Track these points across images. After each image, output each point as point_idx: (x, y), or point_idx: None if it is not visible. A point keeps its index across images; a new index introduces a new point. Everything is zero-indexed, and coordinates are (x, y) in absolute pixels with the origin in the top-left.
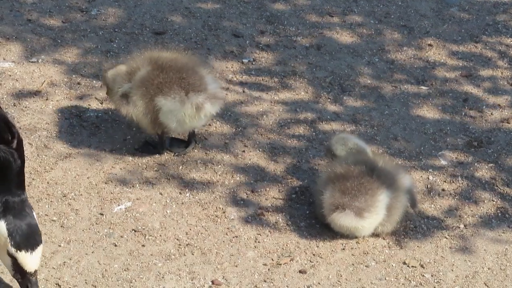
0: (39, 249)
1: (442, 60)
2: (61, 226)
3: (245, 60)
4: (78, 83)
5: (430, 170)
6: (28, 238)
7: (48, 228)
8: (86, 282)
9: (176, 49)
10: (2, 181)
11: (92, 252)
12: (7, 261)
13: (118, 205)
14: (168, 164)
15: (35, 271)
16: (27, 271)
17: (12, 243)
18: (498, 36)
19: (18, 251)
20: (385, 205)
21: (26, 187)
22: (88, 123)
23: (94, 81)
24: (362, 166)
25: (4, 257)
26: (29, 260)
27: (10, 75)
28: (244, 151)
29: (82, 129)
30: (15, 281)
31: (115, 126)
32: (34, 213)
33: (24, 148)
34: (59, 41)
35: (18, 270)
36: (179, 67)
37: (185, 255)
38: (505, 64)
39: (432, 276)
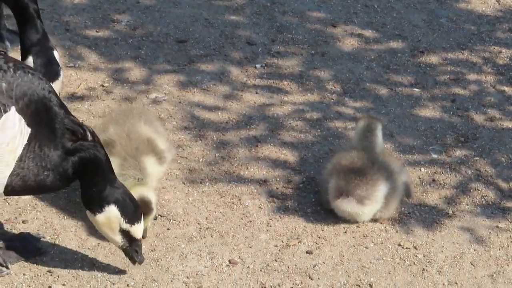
0: (142, 218)
1: (433, 65)
2: None
3: (258, 65)
4: (110, 85)
5: (422, 163)
6: (135, 213)
7: (84, 214)
8: (117, 261)
9: None
10: (98, 172)
11: None
12: (118, 237)
13: None
14: (190, 157)
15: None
16: (137, 238)
17: (126, 220)
18: (482, 44)
19: (132, 225)
20: (384, 194)
21: None
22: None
23: (124, 84)
24: (363, 158)
25: (115, 234)
26: (139, 229)
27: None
28: (257, 145)
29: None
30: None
31: None
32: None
33: None
34: (93, 48)
35: (128, 239)
36: None
37: (205, 237)
38: (489, 69)
39: (424, 256)
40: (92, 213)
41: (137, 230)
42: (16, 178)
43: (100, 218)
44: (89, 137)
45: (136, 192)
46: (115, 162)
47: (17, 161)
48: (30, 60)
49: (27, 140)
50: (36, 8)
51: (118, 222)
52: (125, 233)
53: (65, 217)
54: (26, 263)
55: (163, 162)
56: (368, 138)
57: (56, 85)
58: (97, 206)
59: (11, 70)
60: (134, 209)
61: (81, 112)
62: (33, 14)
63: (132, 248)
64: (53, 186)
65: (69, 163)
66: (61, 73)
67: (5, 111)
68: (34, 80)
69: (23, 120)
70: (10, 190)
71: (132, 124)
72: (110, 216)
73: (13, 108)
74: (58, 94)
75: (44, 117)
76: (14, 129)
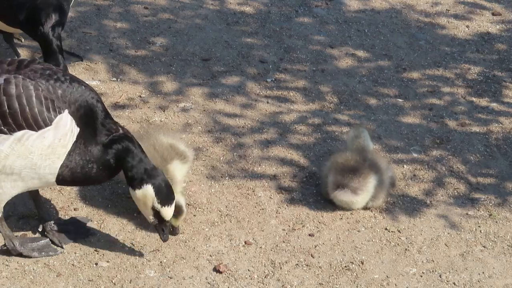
0: (174, 203)
1: (413, 80)
2: None
3: (268, 80)
4: (147, 96)
5: (405, 161)
6: (168, 196)
7: (125, 203)
8: (152, 242)
9: None
10: (136, 158)
11: None
12: (150, 214)
13: None
14: (212, 156)
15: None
16: (166, 219)
17: (158, 201)
18: (454, 63)
19: (163, 207)
20: (373, 186)
21: None
22: (154, 125)
23: (158, 95)
24: (356, 156)
25: (149, 211)
26: (169, 211)
27: (97, 90)
28: (268, 146)
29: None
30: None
31: (174, 128)
32: (163, 173)
33: None
34: (132, 65)
35: (158, 218)
36: None
37: (225, 222)
38: (460, 83)
39: (406, 238)
40: (132, 189)
41: (166, 211)
42: (66, 169)
43: (138, 193)
44: (121, 131)
45: None
46: None
47: (66, 155)
48: None
49: (76, 138)
50: (59, 45)
51: (152, 201)
52: (155, 212)
53: (109, 205)
54: (76, 243)
55: (186, 161)
56: (358, 141)
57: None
58: (137, 183)
59: (68, 81)
60: (167, 193)
61: (123, 118)
62: (55, 49)
63: (160, 226)
64: (99, 177)
65: (108, 154)
66: None
67: (60, 112)
68: (86, 90)
69: (74, 121)
70: (61, 180)
71: (155, 137)
72: (146, 194)
73: (66, 111)
74: None
75: (90, 120)
76: (66, 128)
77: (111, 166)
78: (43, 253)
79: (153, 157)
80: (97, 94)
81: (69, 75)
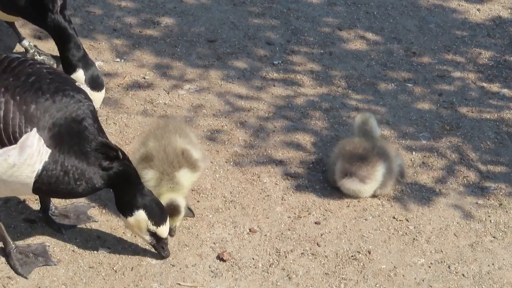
0: (168, 219)
1: (423, 64)
2: None
3: (275, 62)
4: (151, 78)
5: (414, 147)
6: (162, 215)
7: None
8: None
9: None
10: (129, 184)
11: None
12: (147, 237)
13: None
14: (217, 140)
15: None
16: (163, 237)
17: (153, 223)
18: (465, 47)
19: (158, 227)
20: (382, 174)
21: None
22: (158, 107)
23: (162, 77)
24: (365, 143)
25: (145, 234)
26: (165, 229)
27: (100, 71)
28: (274, 131)
29: (153, 112)
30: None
31: (178, 110)
32: (150, 193)
33: (110, 127)
34: (137, 46)
35: (155, 238)
36: None
37: (229, 209)
38: (470, 68)
39: (414, 228)
40: (124, 217)
41: (162, 230)
42: (42, 185)
43: (131, 220)
44: (121, 156)
45: (167, 197)
46: (153, 175)
47: (37, 173)
48: (80, 74)
49: (49, 158)
50: (74, 27)
51: (146, 224)
52: (152, 233)
53: (111, 191)
54: (77, 229)
55: (197, 170)
56: (365, 128)
57: (101, 94)
58: (128, 210)
59: (50, 92)
60: (160, 213)
61: (126, 99)
62: (73, 33)
63: (159, 245)
64: (83, 194)
65: (104, 177)
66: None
67: (26, 132)
68: (71, 103)
69: (42, 141)
70: (38, 192)
71: (168, 138)
72: (139, 219)
73: (34, 129)
74: (100, 102)
75: (70, 139)
76: (32, 148)
77: (100, 187)
78: (39, 259)
79: (161, 161)
80: (88, 106)
81: (56, 83)
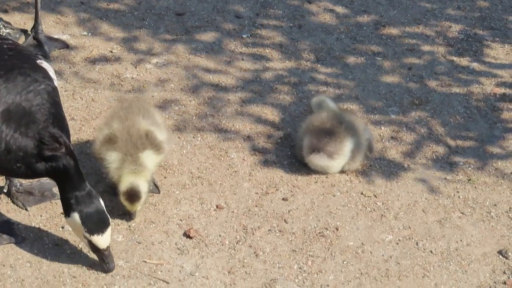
0: (108, 231)
1: (392, 38)
2: None
3: (244, 36)
4: (118, 52)
5: (382, 122)
6: (98, 224)
7: (93, 163)
8: (120, 207)
9: None
10: (67, 181)
11: None
12: (85, 242)
13: None
14: (185, 115)
15: (107, 247)
16: (101, 248)
17: (86, 230)
18: (435, 20)
19: (91, 235)
20: (350, 150)
21: (78, 132)
22: (125, 82)
23: (130, 51)
24: (333, 118)
25: (82, 238)
26: (101, 241)
27: (68, 45)
28: (242, 105)
29: (120, 86)
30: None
31: (146, 85)
32: (100, 200)
33: (76, 101)
34: (104, 19)
35: (93, 248)
36: None
37: (196, 185)
38: (440, 41)
39: (382, 204)
40: (64, 215)
41: (98, 240)
42: None
43: (68, 221)
44: (63, 149)
45: (128, 181)
46: (116, 157)
47: None
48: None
49: None
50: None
51: (81, 229)
52: (88, 240)
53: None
54: (43, 206)
55: (161, 152)
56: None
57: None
58: (65, 210)
59: (4, 70)
60: (96, 221)
61: (93, 74)
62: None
63: (98, 255)
64: (27, 176)
65: (42, 166)
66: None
67: None
68: (26, 82)
69: None
70: None
71: (132, 120)
72: (74, 222)
73: None
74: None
75: (19, 118)
76: None
77: (40, 175)
78: (3, 237)
79: (125, 142)
80: (47, 85)
81: (16, 59)
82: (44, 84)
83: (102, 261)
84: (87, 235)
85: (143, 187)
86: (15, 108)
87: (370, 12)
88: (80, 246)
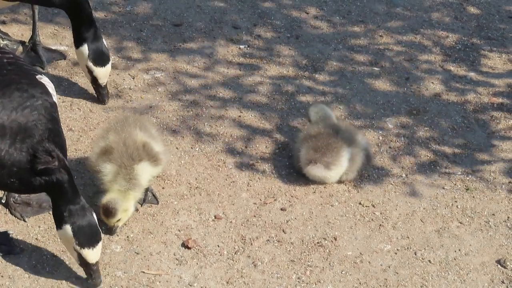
0: (99, 245)
1: (390, 47)
2: None
3: (241, 46)
4: (116, 62)
5: (380, 132)
6: (90, 238)
7: (91, 175)
8: None
9: None
10: (61, 195)
11: None
12: (74, 255)
13: None
14: (182, 125)
15: (96, 262)
16: (90, 262)
17: (76, 242)
18: (432, 30)
19: (82, 249)
20: (347, 160)
21: (76, 143)
22: (123, 93)
23: (128, 61)
24: (329, 129)
25: (72, 251)
26: (91, 255)
27: (65, 56)
28: (239, 116)
29: (118, 98)
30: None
31: (144, 96)
32: (93, 214)
33: (74, 112)
34: (102, 30)
35: (82, 261)
36: None
37: (194, 195)
38: (438, 51)
39: (381, 213)
40: (56, 227)
41: (88, 254)
42: None
43: (60, 233)
44: (56, 163)
45: (109, 196)
46: (111, 168)
47: None
48: (85, 47)
49: None
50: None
51: (72, 242)
52: (78, 254)
53: (76, 177)
54: (41, 217)
55: (158, 164)
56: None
57: (104, 70)
58: (58, 222)
59: (1, 86)
60: (89, 235)
61: (90, 86)
62: (87, 7)
63: (87, 270)
64: (20, 191)
65: (36, 181)
66: (110, 59)
67: None
68: (22, 97)
69: None
70: None
71: (128, 132)
72: (66, 234)
73: None
74: (107, 77)
75: (15, 134)
76: None
77: (34, 190)
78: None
79: (120, 153)
80: (44, 101)
81: (15, 74)
82: (41, 99)
83: (89, 276)
84: (78, 247)
85: (121, 205)
86: (10, 124)
87: (367, 22)
88: None
